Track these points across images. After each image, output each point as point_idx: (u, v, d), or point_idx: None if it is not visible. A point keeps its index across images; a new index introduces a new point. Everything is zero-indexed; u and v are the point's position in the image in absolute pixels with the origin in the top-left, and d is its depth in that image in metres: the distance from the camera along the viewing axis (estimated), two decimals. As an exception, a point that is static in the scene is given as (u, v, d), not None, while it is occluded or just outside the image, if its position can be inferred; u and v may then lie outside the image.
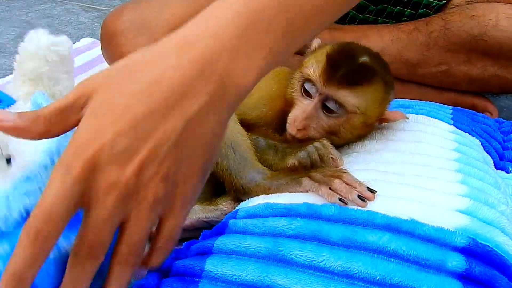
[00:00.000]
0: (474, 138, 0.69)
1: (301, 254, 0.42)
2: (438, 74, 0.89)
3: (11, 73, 1.05)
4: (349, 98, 0.55)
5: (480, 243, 0.42)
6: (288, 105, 0.60)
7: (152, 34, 0.83)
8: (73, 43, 1.24)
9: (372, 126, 0.61)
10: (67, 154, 0.31)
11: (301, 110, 0.57)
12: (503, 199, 0.52)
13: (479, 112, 0.87)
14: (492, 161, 0.66)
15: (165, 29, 0.81)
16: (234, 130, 0.58)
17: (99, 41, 1.23)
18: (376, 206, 0.45)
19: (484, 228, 0.44)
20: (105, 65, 1.01)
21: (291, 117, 0.58)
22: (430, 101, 0.89)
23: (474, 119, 0.77)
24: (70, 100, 0.33)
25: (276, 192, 0.51)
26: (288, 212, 0.46)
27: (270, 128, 0.62)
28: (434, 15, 0.89)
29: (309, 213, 0.46)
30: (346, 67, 0.55)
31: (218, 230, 0.49)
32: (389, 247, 0.42)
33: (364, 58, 0.57)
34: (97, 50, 1.17)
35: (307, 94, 0.57)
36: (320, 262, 0.41)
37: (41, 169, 0.36)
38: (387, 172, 0.52)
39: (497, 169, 0.66)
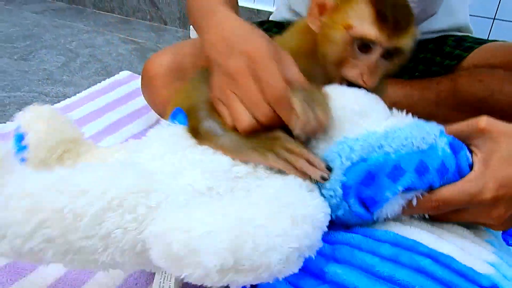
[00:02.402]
0: None
1: (358, 257, 0.53)
2: (446, 129, 0.96)
3: (58, 101, 1.18)
4: (407, 42, 0.58)
5: None
6: (327, 62, 0.60)
7: (187, 78, 0.93)
8: (113, 75, 1.37)
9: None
10: (485, 178, 0.51)
11: (363, 66, 0.58)
12: None
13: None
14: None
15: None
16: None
17: (136, 74, 1.36)
18: (421, 239, 0.54)
19: (504, 281, 0.51)
20: (141, 98, 1.11)
21: (354, 74, 0.58)
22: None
23: None
24: (467, 128, 0.55)
25: (236, 156, 0.54)
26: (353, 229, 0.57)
27: None
28: (444, 76, 0.96)
29: (366, 233, 0.55)
30: (399, 14, 0.57)
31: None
32: (429, 268, 0.50)
33: (408, 7, 0.59)
34: (135, 83, 1.28)
35: (362, 49, 0.58)
36: (370, 265, 0.51)
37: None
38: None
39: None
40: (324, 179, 0.52)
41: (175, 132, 0.58)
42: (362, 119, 0.55)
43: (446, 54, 1.02)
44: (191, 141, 0.56)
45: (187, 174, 0.52)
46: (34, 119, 0.65)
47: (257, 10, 1.80)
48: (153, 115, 1.09)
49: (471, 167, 0.56)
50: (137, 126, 1.08)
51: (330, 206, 0.53)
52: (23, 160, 0.66)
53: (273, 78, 0.52)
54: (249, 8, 1.82)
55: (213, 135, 0.56)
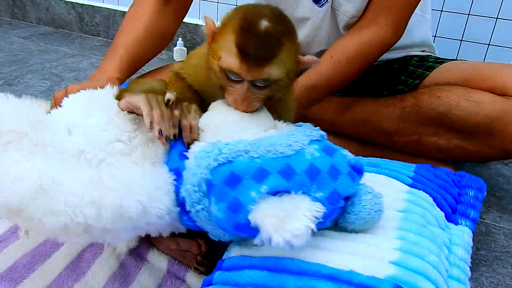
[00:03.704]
0: (428, 195, 0.78)
1: None
2: (411, 143, 1.01)
3: (42, 124, 1.21)
4: (272, 72, 0.59)
5: None
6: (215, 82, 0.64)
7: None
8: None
9: (296, 74, 0.66)
10: None
11: (236, 94, 0.61)
12: (436, 250, 0.63)
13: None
14: (443, 215, 0.76)
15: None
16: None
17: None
18: (325, 259, 0.57)
19: (410, 276, 0.55)
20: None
21: (230, 100, 0.62)
22: (403, 166, 1.02)
23: (435, 174, 0.86)
24: None
25: (126, 98, 0.64)
26: (259, 264, 0.58)
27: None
28: (408, 93, 1.03)
29: (272, 266, 0.57)
30: (259, 48, 0.57)
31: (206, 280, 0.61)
32: None
33: (269, 28, 0.58)
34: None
35: (234, 79, 0.60)
36: None
37: None
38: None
39: (448, 221, 0.77)
40: (167, 138, 0.59)
41: (109, 92, 0.67)
42: (241, 131, 0.61)
43: (410, 73, 1.08)
44: (112, 102, 0.65)
45: (77, 133, 0.60)
46: None
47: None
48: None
49: (355, 168, 0.60)
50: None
51: (191, 200, 0.58)
52: None
53: None
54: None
55: (129, 92, 0.64)
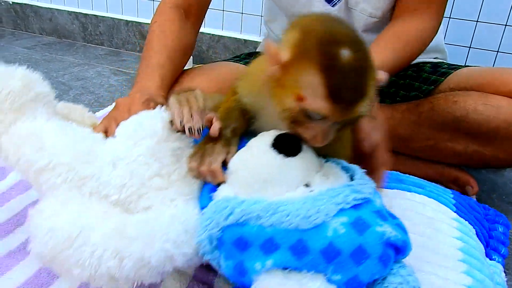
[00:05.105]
0: (472, 227, 0.78)
1: None
2: (427, 148, 1.01)
3: (53, 132, 1.20)
4: (362, 109, 0.53)
5: None
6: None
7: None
8: (106, 106, 1.41)
9: None
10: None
11: (316, 131, 0.55)
12: None
13: (463, 186, 1.00)
14: (484, 249, 0.75)
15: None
16: None
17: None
18: None
19: None
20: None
21: (307, 136, 0.56)
22: (419, 172, 1.02)
23: (470, 205, 0.87)
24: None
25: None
26: None
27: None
28: (423, 99, 1.03)
29: None
30: (354, 90, 0.52)
31: None
32: None
33: (357, 62, 0.51)
34: (127, 113, 1.32)
35: (315, 117, 0.54)
36: None
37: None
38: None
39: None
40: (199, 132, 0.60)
41: (157, 116, 0.64)
42: (267, 186, 0.56)
43: (424, 80, 1.08)
44: (158, 128, 0.63)
45: (121, 167, 0.59)
46: None
47: (244, 40, 1.87)
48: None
49: (393, 246, 0.52)
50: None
51: (203, 250, 0.56)
52: None
53: None
54: (236, 38, 1.89)
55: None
